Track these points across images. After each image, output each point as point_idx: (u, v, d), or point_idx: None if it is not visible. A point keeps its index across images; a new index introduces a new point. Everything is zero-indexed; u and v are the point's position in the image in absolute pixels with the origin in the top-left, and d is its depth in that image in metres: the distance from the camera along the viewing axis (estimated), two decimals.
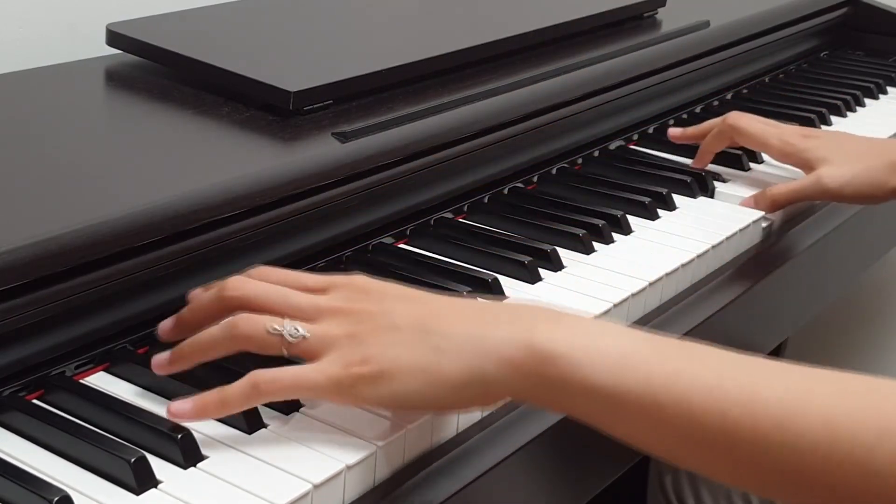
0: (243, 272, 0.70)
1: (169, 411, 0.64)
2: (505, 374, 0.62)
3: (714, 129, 1.10)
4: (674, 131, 1.14)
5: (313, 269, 0.85)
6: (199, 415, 0.64)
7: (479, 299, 0.68)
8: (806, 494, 0.57)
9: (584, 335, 0.61)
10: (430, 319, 0.64)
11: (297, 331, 0.64)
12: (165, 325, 0.71)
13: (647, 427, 0.60)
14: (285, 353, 0.65)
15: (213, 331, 0.66)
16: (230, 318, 0.66)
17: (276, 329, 0.65)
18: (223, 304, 0.68)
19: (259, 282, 0.68)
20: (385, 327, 0.64)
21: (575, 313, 0.65)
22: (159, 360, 0.68)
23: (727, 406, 0.57)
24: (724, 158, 1.13)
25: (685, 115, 1.27)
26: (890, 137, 1.26)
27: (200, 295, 0.70)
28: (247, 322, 0.65)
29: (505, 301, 0.66)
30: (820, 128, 1.26)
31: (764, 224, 1.03)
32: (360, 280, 0.68)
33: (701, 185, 1.07)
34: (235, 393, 0.64)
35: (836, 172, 1.02)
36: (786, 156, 1.07)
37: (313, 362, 0.64)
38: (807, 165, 1.05)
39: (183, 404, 0.64)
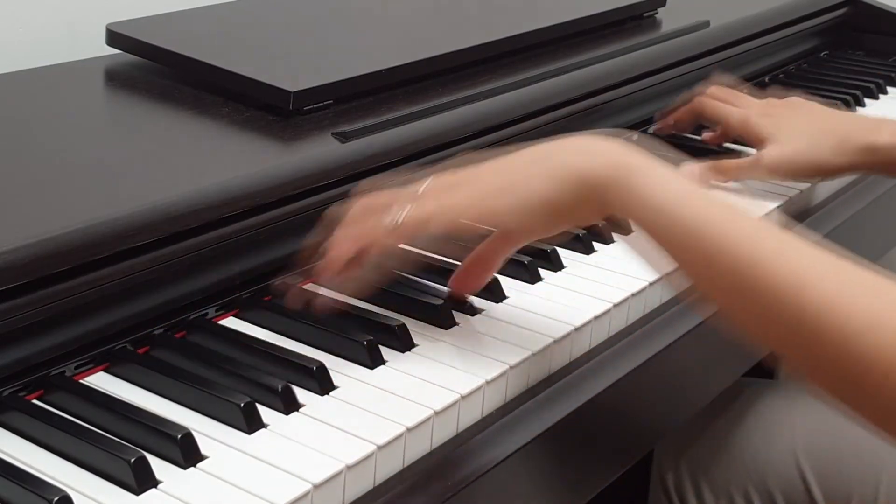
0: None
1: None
2: (598, 174, 0.71)
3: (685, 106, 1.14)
4: (655, 127, 1.17)
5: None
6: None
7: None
8: (804, 361, 0.65)
9: (659, 167, 0.71)
10: (513, 159, 0.74)
11: (402, 212, 0.74)
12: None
13: (683, 252, 0.69)
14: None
15: (339, 244, 0.76)
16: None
17: (390, 220, 0.74)
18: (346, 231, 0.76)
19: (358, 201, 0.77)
20: (475, 177, 0.74)
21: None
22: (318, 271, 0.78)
23: (757, 257, 0.65)
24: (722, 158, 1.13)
25: None
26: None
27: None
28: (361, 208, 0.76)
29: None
30: None
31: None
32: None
33: None
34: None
35: (775, 153, 1.04)
36: (743, 132, 1.09)
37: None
38: (759, 142, 1.06)
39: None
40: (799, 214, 1.08)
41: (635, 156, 0.71)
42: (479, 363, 0.74)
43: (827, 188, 1.14)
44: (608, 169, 0.71)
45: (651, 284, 0.87)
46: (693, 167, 1.06)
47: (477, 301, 0.82)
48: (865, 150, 1.02)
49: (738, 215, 0.68)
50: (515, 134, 0.99)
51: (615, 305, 0.84)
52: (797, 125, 1.05)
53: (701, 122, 1.14)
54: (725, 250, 0.66)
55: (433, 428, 0.69)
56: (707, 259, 0.67)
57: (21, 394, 0.68)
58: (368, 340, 0.74)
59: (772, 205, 1.04)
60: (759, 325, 0.67)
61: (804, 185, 1.09)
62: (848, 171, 1.06)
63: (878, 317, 0.61)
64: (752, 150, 1.10)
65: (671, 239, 0.69)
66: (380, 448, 0.65)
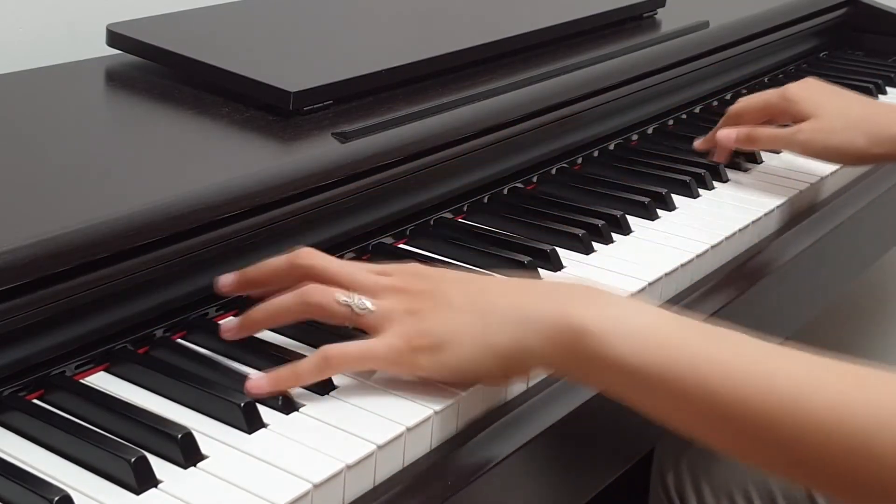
0: (290, 251, 0.73)
1: (246, 388, 0.67)
2: (543, 345, 0.66)
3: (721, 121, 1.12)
4: (696, 143, 1.14)
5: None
6: (274, 388, 0.68)
7: (521, 278, 0.74)
8: (810, 475, 0.61)
9: (614, 314, 0.65)
10: (479, 295, 0.70)
11: (365, 305, 0.69)
12: (226, 279, 0.74)
13: (668, 403, 0.64)
14: (349, 324, 0.70)
15: (284, 298, 0.71)
16: (302, 287, 0.71)
17: (345, 301, 0.70)
18: (293, 270, 0.72)
19: (328, 256, 0.73)
20: (441, 305, 0.69)
21: (610, 291, 0.70)
22: (228, 325, 0.73)
23: (742, 388, 0.61)
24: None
25: (685, 115, 1.27)
26: None
27: (269, 260, 0.74)
28: (318, 291, 0.70)
29: (546, 280, 0.73)
30: None
31: (763, 225, 1.03)
32: (416, 266, 0.74)
33: (700, 185, 1.07)
34: (307, 366, 0.68)
35: (812, 128, 1.04)
36: (786, 101, 1.08)
37: (374, 336, 0.69)
38: (798, 117, 1.06)
39: (258, 381, 0.68)
40: (800, 213, 1.08)
41: (586, 316, 0.65)
42: None
43: (829, 187, 1.14)
44: (556, 342, 0.66)
45: (650, 284, 0.87)
46: (731, 132, 1.08)
47: None
48: None
49: (708, 353, 0.63)
50: (515, 134, 0.99)
51: None
52: (836, 106, 1.05)
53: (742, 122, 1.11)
54: (707, 395, 0.62)
55: (433, 428, 0.69)
56: (686, 405, 0.63)
57: (21, 394, 0.68)
58: None
59: (775, 202, 1.05)
60: (750, 449, 0.63)
61: (804, 186, 1.09)
62: (881, 160, 1.05)
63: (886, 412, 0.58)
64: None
65: (640, 396, 0.65)
66: (380, 448, 0.65)
